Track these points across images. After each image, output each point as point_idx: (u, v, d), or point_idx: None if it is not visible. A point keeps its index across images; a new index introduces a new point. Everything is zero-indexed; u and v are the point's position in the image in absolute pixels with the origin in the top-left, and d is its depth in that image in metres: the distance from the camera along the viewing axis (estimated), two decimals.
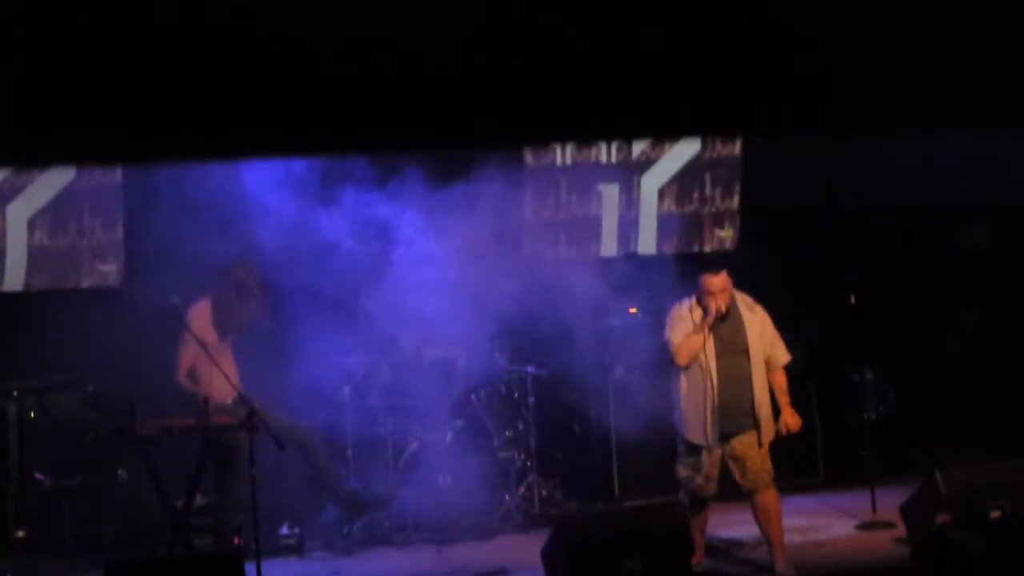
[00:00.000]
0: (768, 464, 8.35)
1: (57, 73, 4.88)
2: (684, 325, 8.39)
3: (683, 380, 8.41)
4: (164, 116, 5.01)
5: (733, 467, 8.32)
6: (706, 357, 8.31)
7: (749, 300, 8.51)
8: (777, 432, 8.44)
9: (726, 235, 11.28)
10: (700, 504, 8.43)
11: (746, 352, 8.35)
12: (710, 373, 8.29)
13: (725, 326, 8.37)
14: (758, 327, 8.42)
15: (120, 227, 9.99)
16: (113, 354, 9.43)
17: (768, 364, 8.44)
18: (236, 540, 8.81)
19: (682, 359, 8.38)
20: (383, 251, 9.71)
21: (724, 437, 8.32)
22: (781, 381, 8.49)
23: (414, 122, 5.21)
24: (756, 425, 8.32)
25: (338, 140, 5.35)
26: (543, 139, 7.51)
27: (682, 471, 8.44)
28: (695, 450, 8.37)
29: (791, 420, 8.43)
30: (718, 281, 8.36)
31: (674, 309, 8.52)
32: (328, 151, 7.06)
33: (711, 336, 8.33)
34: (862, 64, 5.44)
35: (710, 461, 8.32)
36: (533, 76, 5.21)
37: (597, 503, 10.22)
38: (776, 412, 8.46)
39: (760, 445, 8.32)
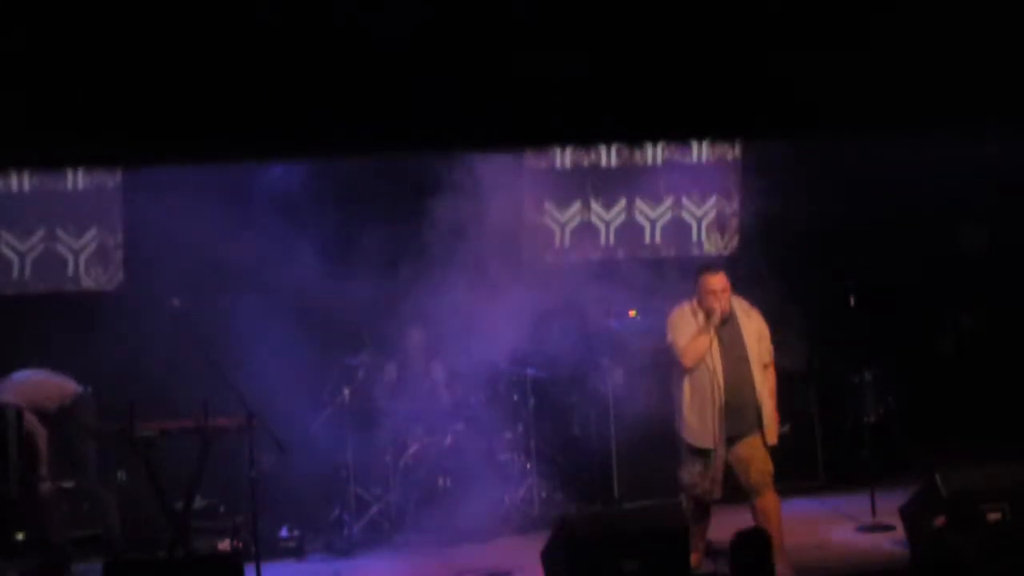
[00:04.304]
0: (769, 466, 8.33)
1: (58, 75, 4.88)
2: (688, 327, 8.29)
3: (686, 384, 8.30)
4: (164, 117, 5.01)
5: (738, 469, 8.25)
6: (712, 359, 8.26)
7: (745, 305, 8.47)
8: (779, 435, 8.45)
9: (726, 238, 11.28)
10: (704, 509, 8.36)
11: (746, 356, 8.32)
12: (716, 375, 8.23)
13: (726, 329, 8.32)
14: (755, 332, 8.38)
15: (120, 229, 9.99)
16: (113, 355, 9.44)
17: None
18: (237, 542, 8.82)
19: (689, 360, 8.27)
20: (383, 253, 9.70)
21: (729, 440, 8.27)
22: (771, 382, 8.47)
23: (413, 123, 5.21)
24: (760, 427, 8.29)
25: (338, 141, 5.35)
26: (542, 142, 7.51)
27: (686, 476, 8.34)
28: (701, 454, 8.28)
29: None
30: (718, 280, 8.32)
31: (675, 312, 8.44)
32: (328, 153, 7.05)
33: (714, 338, 8.29)
34: (861, 66, 5.44)
35: (717, 465, 8.26)
36: (533, 78, 5.21)
37: (597, 505, 10.22)
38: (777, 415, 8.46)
39: (765, 446, 8.30)
